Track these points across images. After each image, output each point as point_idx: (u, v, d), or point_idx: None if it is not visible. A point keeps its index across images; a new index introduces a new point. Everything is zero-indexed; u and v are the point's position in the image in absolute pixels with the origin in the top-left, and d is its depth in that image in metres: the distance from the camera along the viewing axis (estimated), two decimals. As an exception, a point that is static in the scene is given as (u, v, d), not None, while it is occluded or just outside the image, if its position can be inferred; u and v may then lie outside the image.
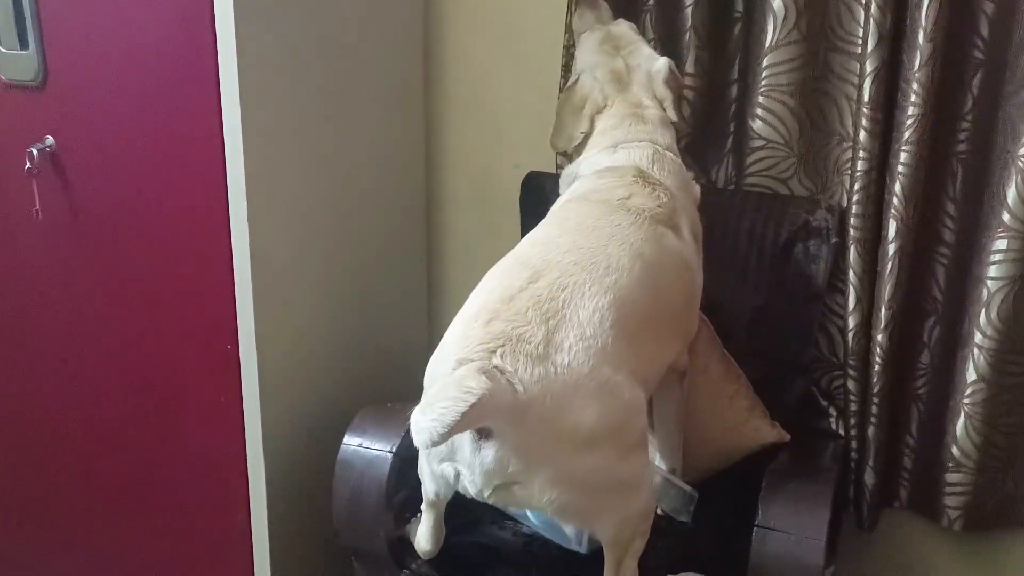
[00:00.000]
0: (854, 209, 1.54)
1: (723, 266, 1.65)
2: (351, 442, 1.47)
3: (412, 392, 1.84)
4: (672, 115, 1.51)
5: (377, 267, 1.74)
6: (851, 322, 1.58)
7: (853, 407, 1.62)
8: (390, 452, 1.44)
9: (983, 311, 1.50)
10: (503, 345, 1.11)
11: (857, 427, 1.63)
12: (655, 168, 1.43)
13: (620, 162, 1.45)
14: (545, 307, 1.16)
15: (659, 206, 1.37)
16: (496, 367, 1.09)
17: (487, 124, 1.91)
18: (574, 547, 1.44)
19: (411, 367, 1.91)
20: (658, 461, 1.50)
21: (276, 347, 1.48)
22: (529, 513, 1.50)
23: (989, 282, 1.49)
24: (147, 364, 1.53)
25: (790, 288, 1.60)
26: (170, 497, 1.59)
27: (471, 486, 1.17)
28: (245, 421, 1.47)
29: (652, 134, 1.47)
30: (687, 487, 1.48)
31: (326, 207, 1.60)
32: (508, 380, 1.09)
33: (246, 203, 1.38)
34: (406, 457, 1.46)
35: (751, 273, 1.63)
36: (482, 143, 1.92)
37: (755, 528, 1.26)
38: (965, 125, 1.51)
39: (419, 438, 1.02)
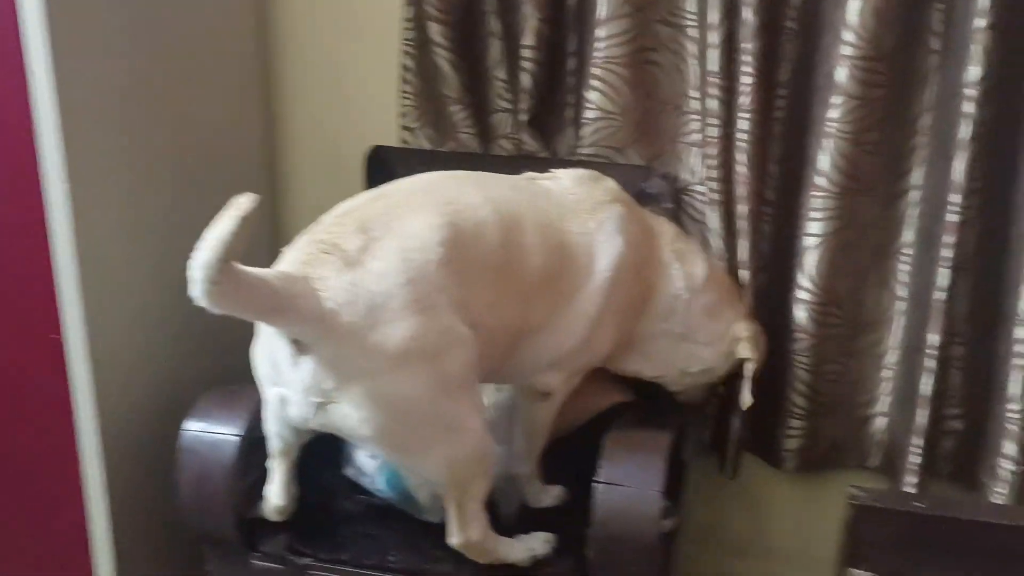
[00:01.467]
0: (715, 174, 1.59)
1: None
2: (193, 427, 1.43)
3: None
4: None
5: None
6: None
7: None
8: (235, 435, 1.41)
9: (802, 266, 1.60)
10: (315, 255, 1.10)
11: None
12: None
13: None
14: (372, 221, 1.15)
15: (599, 195, 1.36)
16: (305, 275, 1.08)
17: (333, 98, 1.88)
18: (427, 516, 1.45)
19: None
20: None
21: (108, 333, 1.42)
22: (382, 483, 1.50)
23: (807, 239, 1.58)
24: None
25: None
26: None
27: (293, 407, 1.16)
28: (77, 412, 1.41)
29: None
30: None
31: (159, 183, 1.54)
32: (316, 287, 1.08)
33: (67, 183, 1.31)
34: (252, 440, 1.44)
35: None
36: (328, 118, 1.89)
37: (596, 483, 1.30)
38: (782, 91, 1.59)
39: (195, 280, 0.98)
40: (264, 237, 1.87)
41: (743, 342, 1.49)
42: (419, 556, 1.39)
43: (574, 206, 1.35)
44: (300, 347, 1.12)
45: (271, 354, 1.18)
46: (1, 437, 1.47)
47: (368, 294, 1.10)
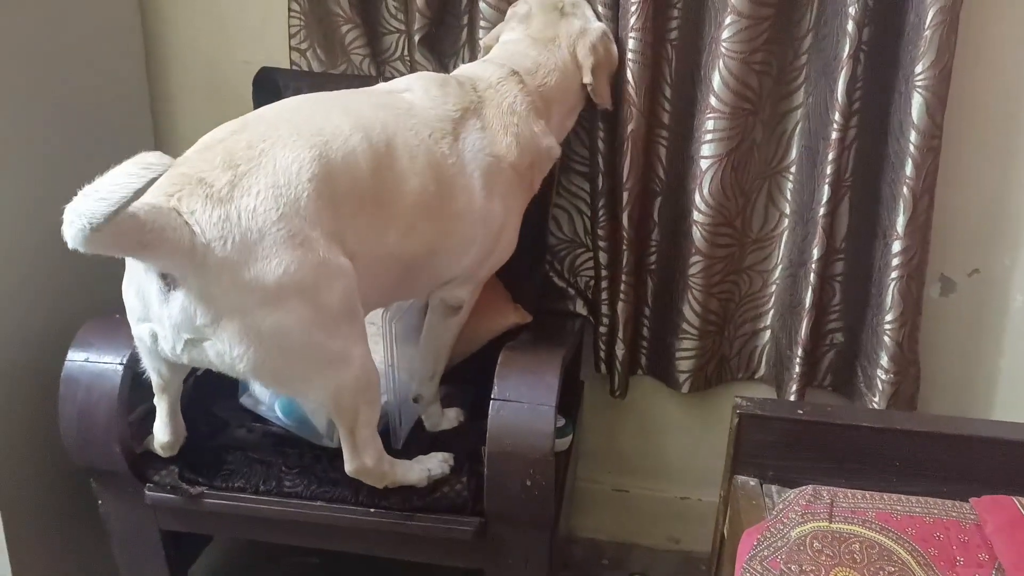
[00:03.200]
0: None
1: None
2: (76, 357, 1.37)
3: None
4: (587, 78, 1.48)
5: (97, 170, 1.61)
6: (599, 201, 1.66)
7: (604, 284, 1.72)
8: (120, 364, 1.36)
9: (697, 187, 1.62)
10: (182, 189, 1.07)
11: (607, 304, 1.73)
12: (491, 93, 1.38)
13: (467, 73, 1.42)
14: (239, 155, 1.12)
15: (451, 108, 1.33)
16: (173, 208, 1.05)
17: (215, 17, 1.79)
18: (324, 442, 1.45)
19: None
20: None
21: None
22: (278, 410, 1.49)
23: (701, 161, 1.61)
24: None
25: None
26: None
27: (164, 343, 1.14)
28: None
29: (531, 70, 1.44)
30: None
31: (32, 110, 1.45)
32: (185, 221, 1.05)
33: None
34: (138, 370, 1.40)
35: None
36: (207, 36, 1.80)
37: (491, 400, 1.31)
38: (676, 12, 1.59)
39: (74, 225, 0.92)
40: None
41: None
42: (316, 481, 1.38)
43: (437, 123, 1.32)
44: (170, 282, 1.08)
45: (140, 289, 1.14)
46: None
47: (240, 231, 1.07)
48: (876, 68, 1.51)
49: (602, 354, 1.79)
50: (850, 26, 1.44)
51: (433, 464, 1.38)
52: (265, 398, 1.52)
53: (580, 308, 1.78)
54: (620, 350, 1.76)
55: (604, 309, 1.74)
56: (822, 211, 1.54)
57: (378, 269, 1.24)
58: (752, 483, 1.37)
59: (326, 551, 1.85)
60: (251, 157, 1.12)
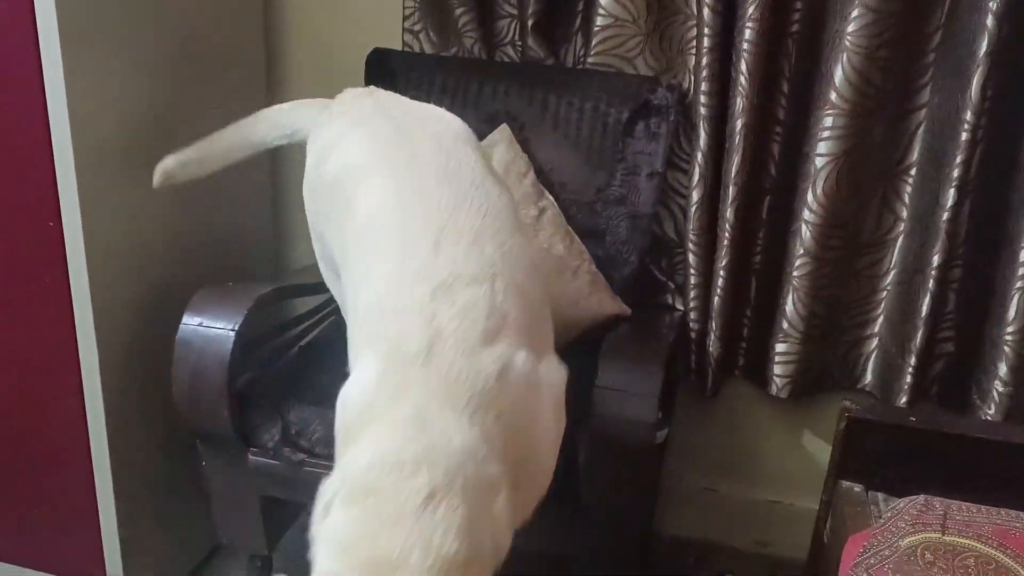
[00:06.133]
0: (703, 87, 1.57)
1: (568, 146, 1.67)
2: (190, 321, 1.42)
3: (253, 274, 1.82)
4: None
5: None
6: (695, 196, 1.63)
7: (695, 280, 1.69)
8: (231, 330, 1.40)
9: (810, 187, 1.58)
10: None
11: (701, 300, 1.70)
12: None
13: None
14: None
15: None
16: None
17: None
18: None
19: (252, 251, 1.87)
20: None
21: (105, 226, 1.39)
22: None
23: (817, 159, 1.57)
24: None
25: (631, 166, 1.64)
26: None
27: None
28: (75, 303, 1.40)
29: None
30: None
31: (156, 83, 1.50)
32: None
33: (64, 77, 1.28)
34: (248, 337, 1.43)
35: (595, 152, 1.66)
36: (325, 19, 1.84)
37: (594, 388, 1.30)
38: (799, 5, 1.55)
39: None
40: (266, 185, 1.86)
41: None
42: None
43: None
44: None
45: None
46: (3, 321, 1.46)
47: None
48: (1010, 66, 1.44)
49: (697, 352, 1.76)
50: (990, 21, 1.38)
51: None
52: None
53: (678, 303, 1.75)
54: (716, 349, 1.72)
55: (702, 306, 1.72)
56: (946, 215, 1.48)
57: None
58: (857, 489, 1.33)
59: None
60: None
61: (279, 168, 1.93)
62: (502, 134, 1.66)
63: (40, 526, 1.59)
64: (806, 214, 1.60)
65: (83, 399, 1.47)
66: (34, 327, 1.45)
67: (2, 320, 1.46)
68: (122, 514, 1.53)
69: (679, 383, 1.82)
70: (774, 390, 1.75)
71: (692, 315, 1.72)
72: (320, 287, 1.74)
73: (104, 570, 1.57)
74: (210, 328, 1.41)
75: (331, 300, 1.81)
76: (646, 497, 1.31)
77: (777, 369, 1.73)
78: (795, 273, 1.64)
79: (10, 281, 1.43)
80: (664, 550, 1.93)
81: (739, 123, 1.56)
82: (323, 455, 1.41)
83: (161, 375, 1.43)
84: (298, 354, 1.62)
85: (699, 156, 1.61)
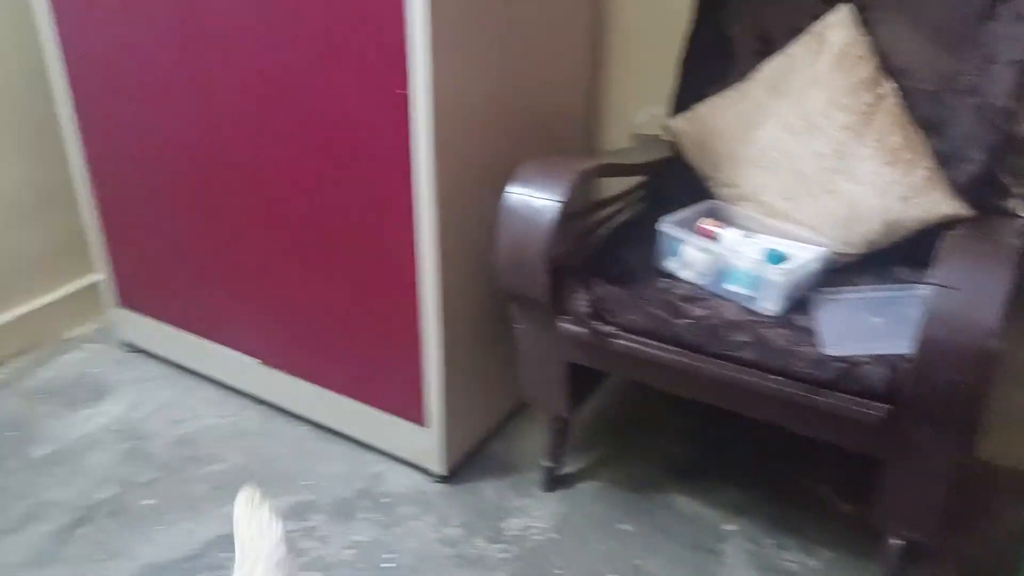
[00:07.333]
0: None
1: (915, 28, 1.53)
2: (516, 191, 1.49)
3: (572, 151, 1.88)
4: None
5: (546, 39, 1.73)
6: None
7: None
8: (555, 201, 1.45)
9: None
10: None
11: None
12: None
13: None
14: None
15: None
16: None
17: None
18: (757, 306, 1.45)
19: (570, 132, 1.92)
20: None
21: (448, 95, 1.48)
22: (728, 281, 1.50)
23: None
24: (321, 105, 1.58)
25: (989, 52, 1.47)
26: (345, 238, 1.67)
27: None
28: (415, 167, 1.51)
29: None
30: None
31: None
32: None
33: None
34: (569, 209, 1.48)
35: (944, 35, 1.51)
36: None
37: (930, 285, 1.22)
38: None
39: None
40: (580, 33, 1.88)
41: None
42: (717, 341, 1.39)
43: None
44: None
45: None
46: (351, 181, 1.62)
47: None
48: None
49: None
50: None
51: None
52: (699, 264, 1.54)
53: (1021, 211, 1.57)
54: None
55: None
56: None
57: None
58: None
59: (711, 419, 1.90)
60: None
61: (597, 58, 1.96)
62: (839, 15, 1.56)
63: (372, 366, 1.78)
64: None
65: (414, 254, 1.59)
66: (377, 190, 1.59)
67: (350, 185, 1.62)
68: (443, 363, 1.67)
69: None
70: None
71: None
72: (634, 168, 1.77)
73: (421, 411, 1.75)
74: (535, 198, 1.47)
75: (643, 183, 1.83)
76: (979, 408, 1.21)
77: None
78: None
79: (357, 142, 1.57)
80: (986, 477, 1.80)
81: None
82: (628, 328, 1.45)
83: (486, 239, 1.52)
84: (609, 233, 1.66)
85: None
